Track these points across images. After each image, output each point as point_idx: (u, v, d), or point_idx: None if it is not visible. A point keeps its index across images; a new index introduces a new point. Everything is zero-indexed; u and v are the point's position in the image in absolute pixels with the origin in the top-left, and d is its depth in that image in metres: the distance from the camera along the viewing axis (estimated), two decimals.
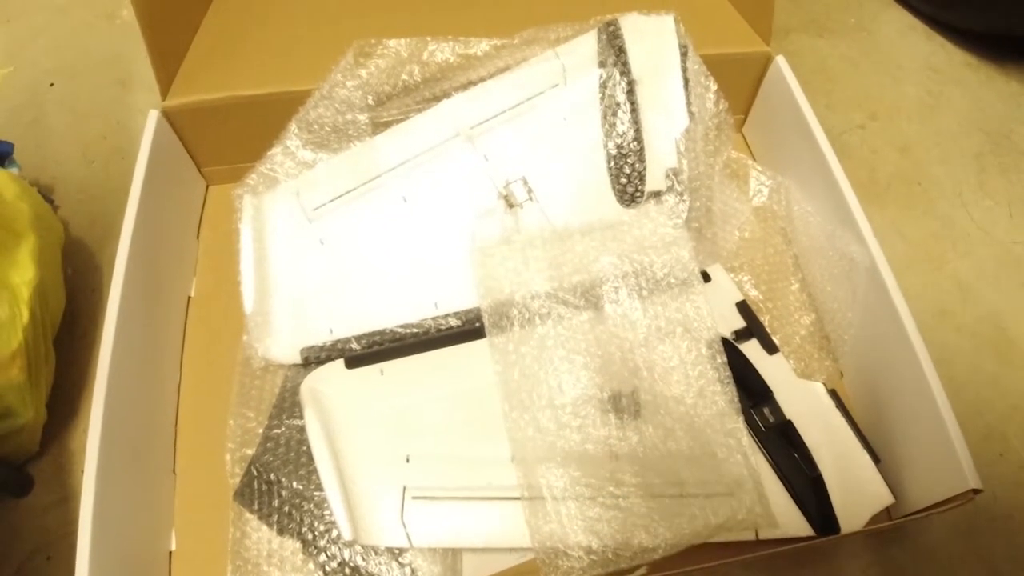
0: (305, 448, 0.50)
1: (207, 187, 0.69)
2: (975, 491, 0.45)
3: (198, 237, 0.66)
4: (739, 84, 0.68)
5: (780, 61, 0.64)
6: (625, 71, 0.56)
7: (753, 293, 0.61)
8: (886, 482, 0.50)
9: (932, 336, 0.64)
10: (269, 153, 0.58)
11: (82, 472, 0.56)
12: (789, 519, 0.48)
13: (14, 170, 0.66)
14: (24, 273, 0.55)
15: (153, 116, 0.59)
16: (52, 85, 0.83)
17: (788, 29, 0.90)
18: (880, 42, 0.90)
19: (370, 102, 0.58)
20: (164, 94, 0.61)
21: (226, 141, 0.65)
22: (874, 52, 0.89)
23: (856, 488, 0.50)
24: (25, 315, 0.53)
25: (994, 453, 0.59)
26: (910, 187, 0.76)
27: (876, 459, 0.51)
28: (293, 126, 0.58)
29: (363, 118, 0.58)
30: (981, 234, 0.73)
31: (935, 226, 0.73)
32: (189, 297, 0.62)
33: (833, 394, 0.54)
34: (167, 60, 0.61)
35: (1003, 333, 0.66)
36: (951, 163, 0.78)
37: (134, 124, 0.79)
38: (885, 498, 0.50)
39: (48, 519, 0.56)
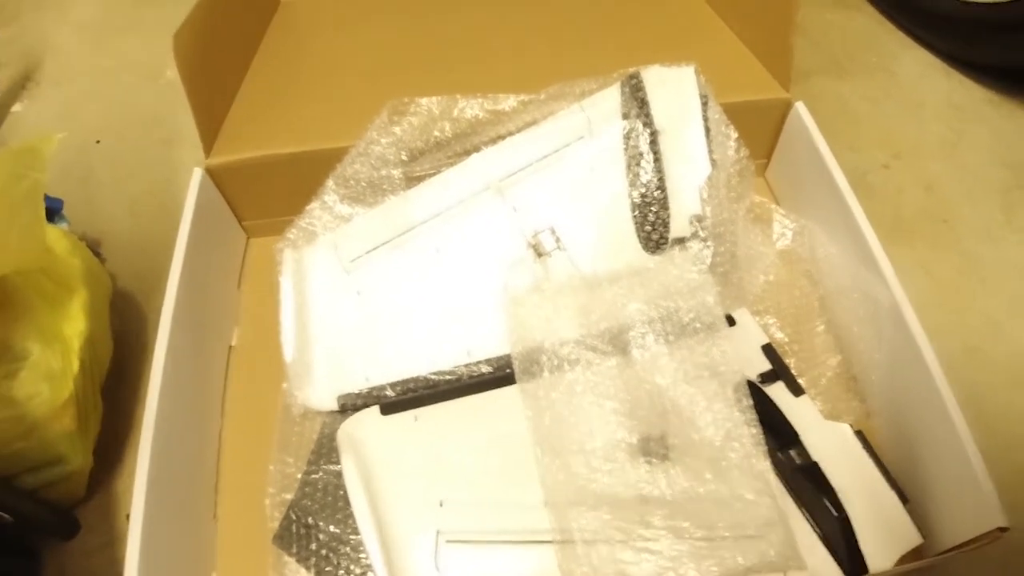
0: (342, 493, 0.52)
1: (248, 240, 0.72)
2: (1002, 529, 0.45)
3: (239, 288, 0.69)
4: (761, 129, 0.70)
5: (799, 107, 0.66)
6: (648, 122, 0.58)
7: (779, 336, 0.61)
8: (914, 522, 0.50)
9: (962, 372, 0.64)
10: (308, 208, 0.61)
11: (127, 517, 0.58)
12: (818, 561, 0.48)
13: (64, 226, 0.69)
14: (75, 325, 0.57)
15: (197, 174, 0.62)
16: (98, 142, 0.87)
17: (809, 72, 0.91)
18: (901, 82, 0.91)
19: (404, 158, 0.60)
20: (207, 152, 0.64)
21: (266, 196, 0.67)
22: (895, 92, 0.90)
23: (884, 528, 0.50)
24: (76, 366, 0.56)
25: None
26: (936, 224, 0.76)
27: (904, 499, 0.51)
28: (331, 182, 0.60)
29: (397, 173, 0.60)
30: (1009, 269, 0.73)
31: (963, 263, 0.73)
32: (231, 346, 0.64)
33: (860, 435, 0.54)
34: (210, 120, 0.64)
35: None
36: (976, 199, 0.79)
37: (178, 180, 0.82)
38: (913, 538, 0.50)
39: (94, 562, 0.58)
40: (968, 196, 0.79)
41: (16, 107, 0.95)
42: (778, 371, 0.57)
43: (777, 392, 0.56)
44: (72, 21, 1.09)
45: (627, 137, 0.58)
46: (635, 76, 0.59)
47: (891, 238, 0.74)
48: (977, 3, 0.86)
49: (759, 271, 0.63)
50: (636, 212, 0.58)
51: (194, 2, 0.64)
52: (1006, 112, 0.88)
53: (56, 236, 0.62)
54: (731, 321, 0.59)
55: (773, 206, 0.67)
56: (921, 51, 0.95)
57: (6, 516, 0.53)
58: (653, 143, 0.57)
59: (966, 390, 0.62)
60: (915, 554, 0.51)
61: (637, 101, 0.58)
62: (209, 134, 0.64)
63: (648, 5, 0.81)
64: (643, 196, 0.57)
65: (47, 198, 0.65)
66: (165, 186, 0.82)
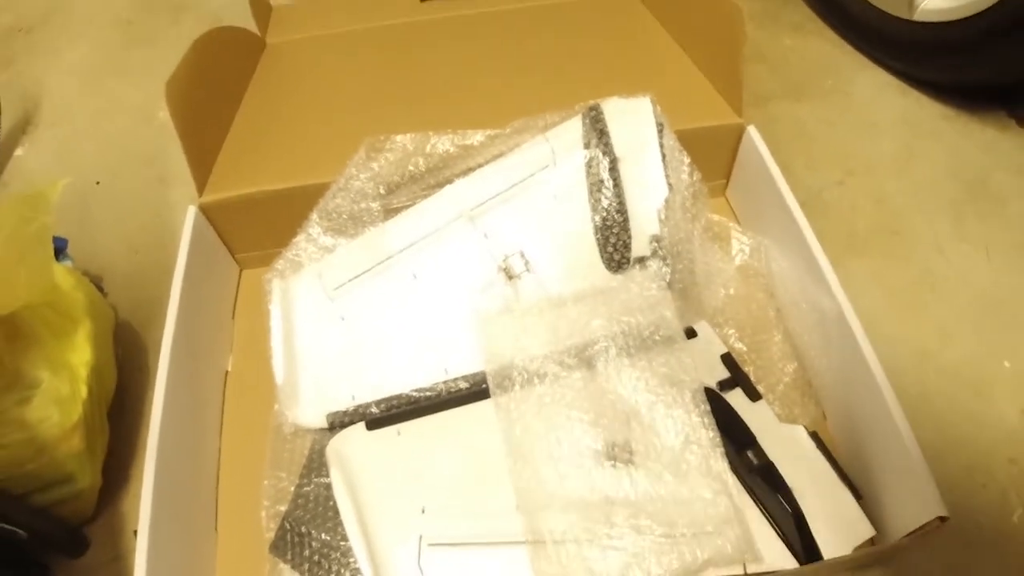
0: (332, 503, 0.55)
1: (240, 272, 0.76)
2: (943, 519, 0.48)
3: (233, 317, 0.73)
4: (719, 152, 0.74)
5: (751, 131, 0.70)
6: (608, 151, 0.62)
7: (739, 346, 0.65)
8: (868, 516, 0.54)
9: (914, 376, 0.68)
10: (294, 240, 0.65)
11: (133, 533, 0.61)
12: (775, 554, 0.51)
13: (68, 263, 0.73)
14: (82, 355, 0.62)
15: (191, 212, 0.66)
16: (98, 183, 0.91)
17: (769, 96, 0.96)
18: (856, 102, 0.95)
19: (381, 191, 0.65)
20: (200, 191, 0.68)
21: (256, 230, 0.71)
22: (850, 112, 0.94)
23: (839, 522, 0.53)
24: (83, 392, 0.60)
25: (977, 484, 0.62)
26: (889, 237, 0.80)
27: (858, 495, 0.55)
28: (314, 215, 0.64)
29: (376, 206, 0.64)
30: (959, 278, 0.76)
31: (914, 273, 0.77)
32: (226, 372, 0.68)
33: (814, 436, 0.57)
34: (202, 161, 0.69)
35: (982, 371, 0.69)
36: (928, 212, 0.83)
37: (173, 216, 0.86)
38: (867, 531, 0.53)
39: None
40: (920, 209, 0.83)
41: (18, 151, 0.99)
42: (736, 378, 0.61)
43: (736, 398, 0.59)
44: (65, 65, 1.14)
45: (588, 165, 0.63)
46: (595, 108, 0.64)
47: (846, 252, 0.78)
48: (928, 23, 0.91)
49: (719, 285, 0.67)
50: (599, 234, 0.62)
51: (182, 44, 0.68)
52: (960, 126, 0.92)
53: (61, 273, 0.66)
54: (692, 333, 0.63)
55: (731, 224, 0.71)
56: (878, 71, 1.00)
57: (20, 532, 0.56)
58: (613, 170, 0.62)
59: (917, 393, 0.66)
60: (869, 545, 0.54)
61: (597, 131, 0.63)
62: (202, 174, 0.68)
63: (615, 39, 0.86)
64: (605, 219, 0.62)
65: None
66: (160, 222, 0.86)
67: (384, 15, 0.93)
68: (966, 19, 0.86)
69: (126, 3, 1.23)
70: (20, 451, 0.56)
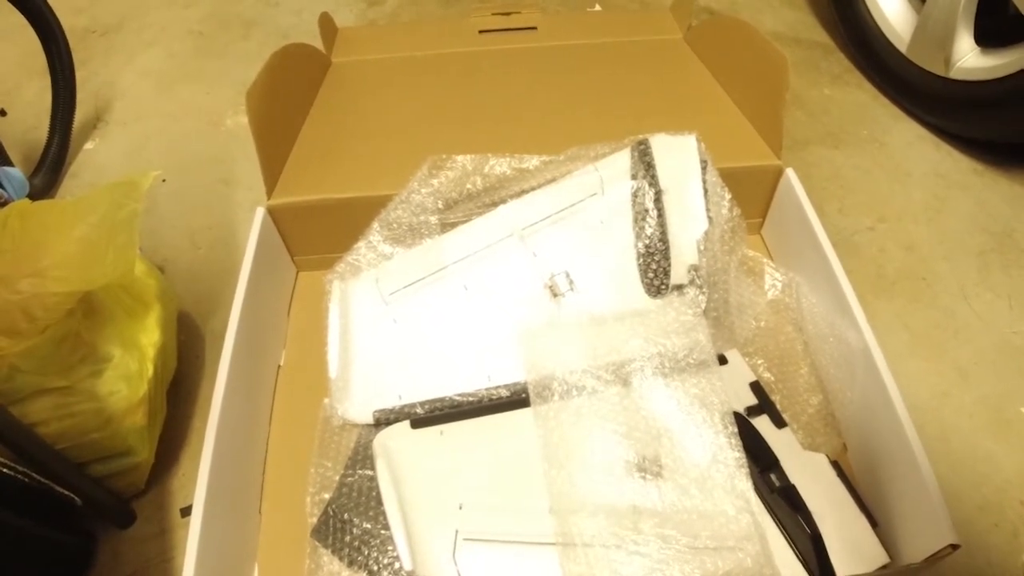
0: (375, 494, 0.58)
1: (297, 273, 0.79)
2: (954, 546, 0.50)
3: (288, 315, 0.76)
4: (757, 191, 0.78)
5: (790, 173, 0.73)
6: (653, 183, 0.65)
7: (767, 375, 0.67)
8: (882, 543, 0.56)
9: (934, 415, 0.70)
10: (355, 246, 0.69)
11: (179, 511, 0.65)
12: (792, 572, 0.54)
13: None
14: (151, 336, 0.66)
15: (260, 213, 0.70)
16: (164, 180, 0.96)
17: (807, 141, 0.99)
18: (891, 152, 0.98)
19: (440, 206, 0.68)
20: (269, 195, 0.71)
21: (316, 235, 0.75)
22: (885, 161, 0.97)
23: (855, 548, 0.56)
24: (150, 371, 0.64)
25: (989, 523, 0.65)
26: (915, 282, 0.83)
27: (874, 523, 0.57)
28: (376, 224, 0.68)
29: (433, 219, 0.68)
30: (981, 324, 0.79)
31: (938, 317, 0.80)
32: (279, 366, 0.71)
33: (835, 464, 0.60)
34: (272, 167, 0.73)
35: (1000, 414, 0.71)
36: (955, 260, 0.85)
37: (234, 217, 0.90)
38: (881, 558, 0.56)
39: (146, 548, 0.64)
40: (947, 257, 0.86)
41: (87, 144, 1.04)
42: (763, 405, 0.64)
43: (762, 424, 0.62)
44: (138, 68, 1.19)
45: (635, 195, 0.66)
46: (643, 142, 0.67)
47: (873, 293, 0.81)
48: (962, 81, 0.94)
49: (750, 317, 0.70)
50: (640, 260, 0.65)
51: (251, 58, 0.72)
52: (990, 181, 0.95)
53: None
54: (723, 360, 0.66)
55: (765, 260, 0.73)
56: (912, 123, 1.03)
57: (76, 499, 0.59)
58: (657, 201, 0.65)
59: (936, 431, 0.69)
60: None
61: (644, 164, 0.66)
62: (271, 179, 0.72)
63: (661, 79, 0.90)
64: (647, 247, 0.65)
65: None
66: (222, 221, 0.90)
67: (443, 44, 0.97)
68: (999, 79, 0.89)
69: (198, 16, 1.29)
70: (88, 420, 0.59)
